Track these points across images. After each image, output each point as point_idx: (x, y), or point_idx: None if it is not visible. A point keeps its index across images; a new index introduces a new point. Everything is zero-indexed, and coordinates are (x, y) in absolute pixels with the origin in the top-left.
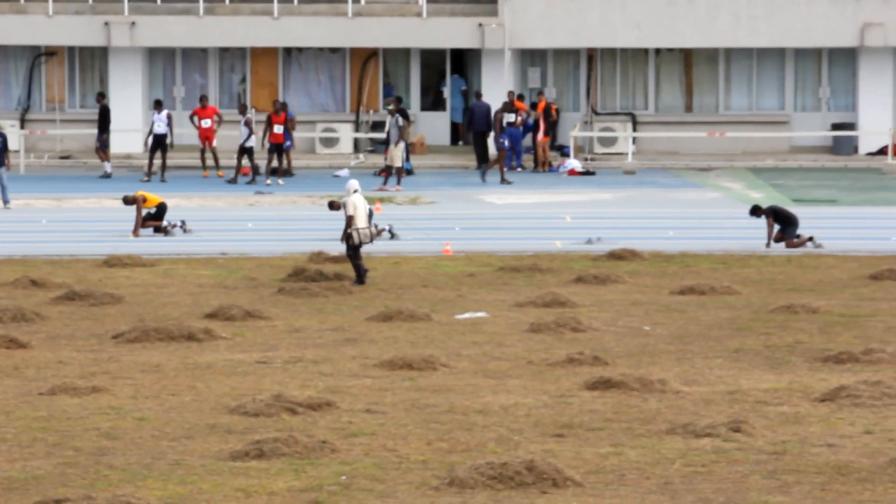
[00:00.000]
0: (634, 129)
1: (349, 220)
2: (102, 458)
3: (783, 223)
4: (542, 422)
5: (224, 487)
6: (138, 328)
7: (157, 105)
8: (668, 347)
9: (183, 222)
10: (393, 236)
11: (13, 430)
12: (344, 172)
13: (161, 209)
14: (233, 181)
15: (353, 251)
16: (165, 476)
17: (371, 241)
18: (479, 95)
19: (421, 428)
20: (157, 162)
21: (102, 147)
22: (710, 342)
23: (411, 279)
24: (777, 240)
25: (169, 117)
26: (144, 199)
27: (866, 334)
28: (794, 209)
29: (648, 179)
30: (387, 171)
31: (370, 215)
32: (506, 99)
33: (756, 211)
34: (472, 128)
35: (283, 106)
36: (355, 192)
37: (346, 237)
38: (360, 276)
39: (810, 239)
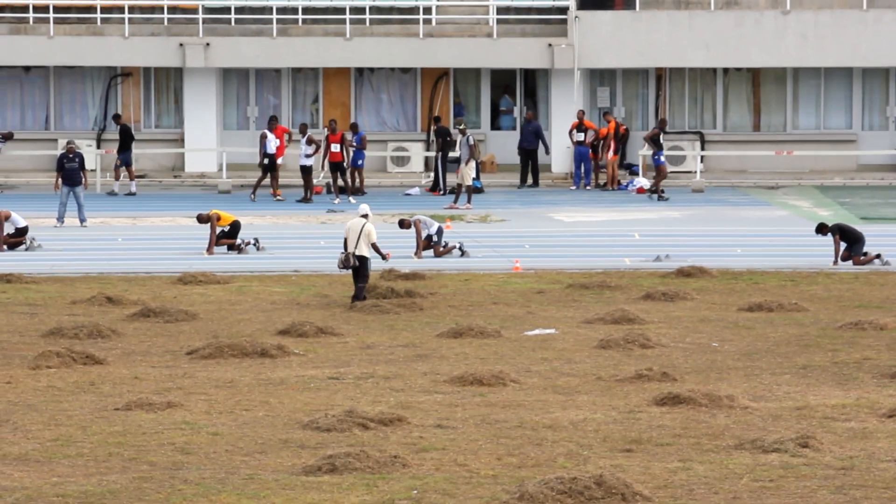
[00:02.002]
0: (703, 148)
1: (421, 240)
2: (177, 472)
3: (850, 241)
4: (611, 437)
5: (297, 502)
6: (212, 344)
7: (272, 122)
8: (735, 364)
9: (256, 240)
10: (463, 254)
11: (90, 444)
12: (415, 191)
13: (235, 227)
14: (306, 199)
15: (354, 273)
16: (239, 491)
17: (345, 267)
18: (530, 115)
19: (491, 443)
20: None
21: (123, 165)
22: (778, 358)
23: (481, 296)
24: (844, 258)
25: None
26: (218, 218)
27: None
28: (861, 227)
29: (716, 197)
30: (457, 190)
31: (439, 232)
32: (575, 118)
33: (822, 229)
34: (521, 146)
35: (336, 124)
36: (362, 216)
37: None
38: (356, 294)
39: (878, 256)
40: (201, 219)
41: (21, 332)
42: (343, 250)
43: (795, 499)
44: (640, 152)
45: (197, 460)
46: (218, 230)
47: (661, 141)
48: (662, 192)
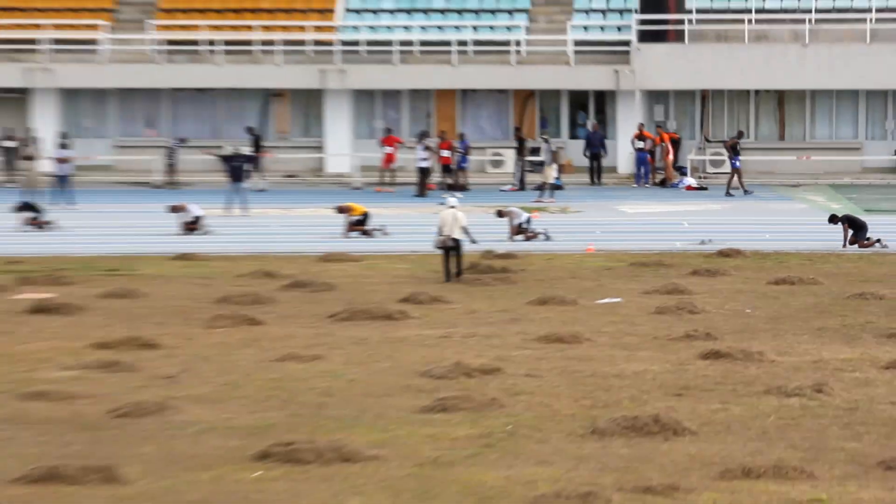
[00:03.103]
0: (738, 154)
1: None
2: (321, 410)
3: (856, 228)
4: (665, 384)
5: (416, 435)
6: (348, 310)
7: (422, 136)
8: (764, 326)
9: (383, 227)
10: (548, 238)
11: (252, 389)
12: (508, 188)
13: (365, 216)
14: (421, 195)
15: (444, 253)
16: (370, 425)
17: (443, 244)
18: (594, 126)
19: (570, 388)
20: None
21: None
22: (798, 322)
23: (562, 272)
24: (851, 242)
25: (427, 147)
26: (352, 209)
27: None
28: (864, 217)
29: (749, 193)
30: (542, 187)
31: (528, 221)
32: (636, 130)
33: (833, 219)
34: (588, 150)
35: (445, 134)
36: (451, 206)
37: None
38: (446, 274)
39: (878, 241)
40: (339, 209)
41: (197, 300)
42: (439, 234)
43: (812, 433)
44: (689, 157)
45: (337, 401)
46: (352, 219)
47: (738, 148)
48: (736, 188)
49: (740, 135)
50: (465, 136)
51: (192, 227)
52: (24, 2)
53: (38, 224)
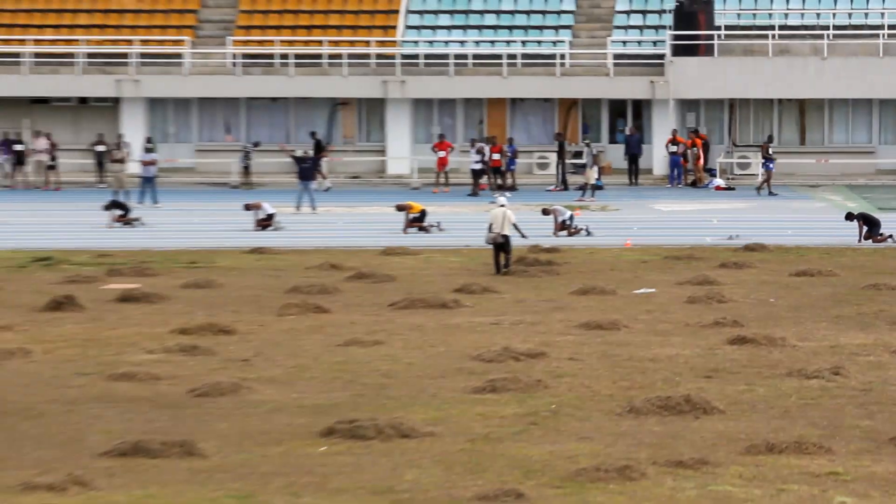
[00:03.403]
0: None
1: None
2: (382, 391)
3: (870, 224)
4: (696, 367)
5: (468, 413)
6: (407, 299)
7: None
8: (786, 314)
9: (438, 223)
10: (589, 234)
11: (319, 371)
12: (553, 188)
13: (423, 214)
14: (474, 194)
15: (494, 248)
16: (426, 404)
17: (494, 240)
18: (632, 130)
19: (608, 371)
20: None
21: (318, 168)
22: (818, 310)
23: (602, 265)
24: (866, 237)
25: (480, 151)
26: (410, 207)
27: None
28: (878, 215)
29: (773, 193)
30: (584, 187)
31: (571, 218)
32: (670, 136)
33: (849, 216)
34: (627, 152)
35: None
36: (500, 205)
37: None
38: (496, 267)
39: (890, 236)
40: (399, 207)
41: (269, 290)
42: (489, 231)
43: (830, 412)
44: (718, 160)
45: (396, 382)
46: (411, 216)
47: (770, 153)
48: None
49: (770, 139)
50: (514, 140)
51: (265, 223)
52: (115, 20)
53: (125, 221)
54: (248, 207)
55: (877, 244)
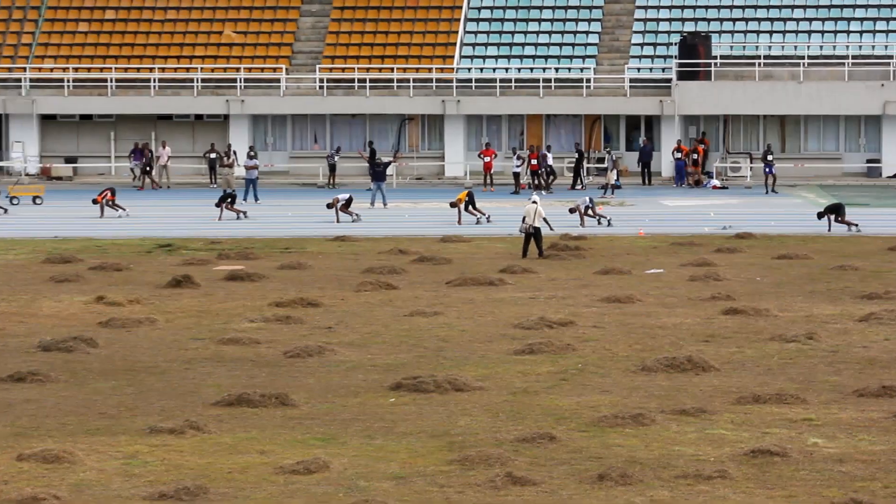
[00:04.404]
0: (751, 162)
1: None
2: (440, 353)
3: (836, 211)
4: (696, 333)
5: (511, 371)
6: (460, 277)
7: (548, 149)
8: (770, 290)
9: (488, 217)
10: (609, 224)
11: (388, 336)
12: (579, 187)
13: (471, 196)
14: (515, 193)
15: (525, 237)
16: (476, 363)
17: (526, 232)
18: (645, 141)
19: (625, 336)
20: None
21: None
22: (795, 287)
23: (620, 250)
24: (835, 221)
25: (520, 157)
26: (459, 199)
27: (887, 282)
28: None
29: (759, 192)
30: (604, 187)
31: (590, 202)
32: (675, 144)
33: (820, 216)
34: (641, 158)
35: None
36: (533, 201)
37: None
38: (524, 252)
39: (855, 224)
40: (452, 204)
41: (348, 270)
42: (523, 223)
43: (804, 370)
44: (715, 164)
45: (451, 346)
46: (460, 205)
47: (770, 158)
48: (774, 191)
49: (769, 148)
50: (549, 148)
51: (346, 209)
52: (225, 51)
53: (233, 210)
54: (329, 206)
55: (842, 224)
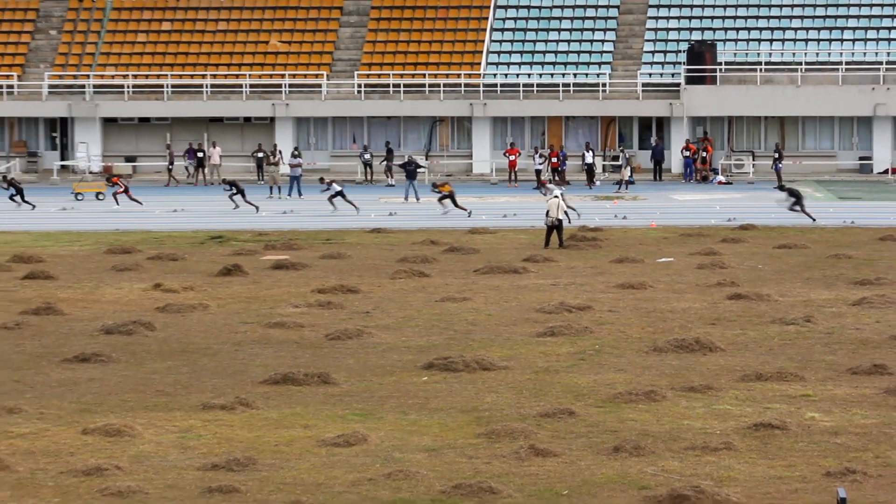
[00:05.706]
0: (753, 160)
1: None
2: (468, 335)
3: (796, 197)
4: (703, 317)
5: (533, 351)
6: (487, 266)
7: (587, 146)
8: (771, 277)
9: (448, 213)
10: (624, 217)
11: (421, 320)
12: (598, 183)
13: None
14: (538, 188)
15: (548, 228)
16: (502, 345)
17: (551, 223)
18: (656, 140)
19: (638, 320)
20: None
21: (389, 169)
22: (794, 274)
23: (633, 241)
24: (791, 208)
25: (542, 156)
26: (442, 187)
27: (878, 269)
28: (837, 204)
29: (761, 187)
30: (619, 183)
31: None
32: (684, 144)
33: (780, 189)
34: (652, 156)
35: (552, 147)
36: (555, 196)
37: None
38: (546, 242)
39: (814, 220)
40: (442, 197)
41: (385, 259)
42: (546, 216)
43: (803, 350)
44: (720, 161)
45: (479, 329)
46: (443, 193)
47: (776, 156)
48: (782, 186)
49: (777, 147)
50: (588, 146)
51: (332, 198)
52: (271, 59)
53: (233, 201)
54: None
55: (794, 212)
